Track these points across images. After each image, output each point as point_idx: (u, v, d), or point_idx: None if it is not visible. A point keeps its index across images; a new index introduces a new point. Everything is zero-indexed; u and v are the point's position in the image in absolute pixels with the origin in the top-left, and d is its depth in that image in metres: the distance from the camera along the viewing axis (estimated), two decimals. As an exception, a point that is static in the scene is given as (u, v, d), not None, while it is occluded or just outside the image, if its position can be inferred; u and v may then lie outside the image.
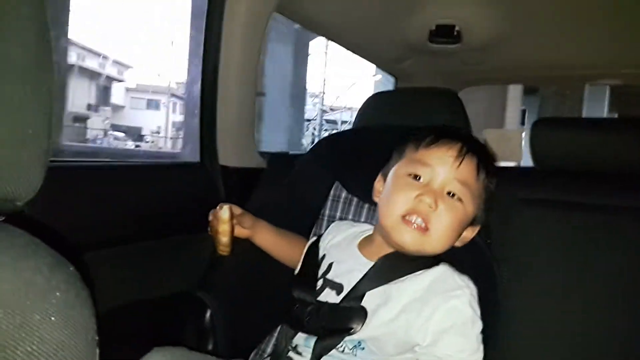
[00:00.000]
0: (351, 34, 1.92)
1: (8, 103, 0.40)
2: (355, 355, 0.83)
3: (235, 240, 1.00)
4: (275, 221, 1.10)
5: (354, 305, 0.85)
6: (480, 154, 0.89)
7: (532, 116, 7.66)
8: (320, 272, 0.96)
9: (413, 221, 0.83)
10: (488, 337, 0.83)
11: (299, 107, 8.37)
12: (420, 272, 0.86)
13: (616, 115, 7.59)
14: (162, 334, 0.99)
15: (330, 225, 1.07)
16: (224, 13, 1.34)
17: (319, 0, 1.61)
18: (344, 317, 0.84)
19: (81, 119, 15.23)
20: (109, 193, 1.11)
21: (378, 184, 0.96)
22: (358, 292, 0.86)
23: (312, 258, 1.00)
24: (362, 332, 0.83)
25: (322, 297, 0.90)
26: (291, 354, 0.89)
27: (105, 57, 17.09)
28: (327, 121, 12.03)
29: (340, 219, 1.19)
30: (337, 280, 0.91)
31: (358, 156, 1.23)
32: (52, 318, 0.37)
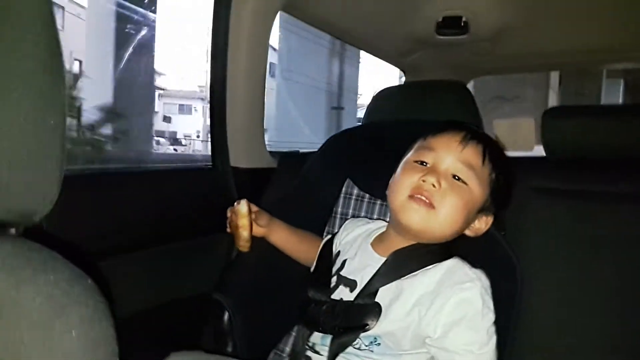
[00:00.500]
0: (357, 30, 1.91)
1: (22, 119, 0.41)
2: (372, 351, 0.84)
3: (252, 238, 1.01)
4: (288, 220, 1.11)
5: (368, 302, 0.85)
6: (487, 142, 0.90)
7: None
8: (335, 269, 0.96)
9: (419, 198, 0.83)
10: (504, 329, 0.83)
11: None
12: (432, 265, 0.86)
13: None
14: (181, 338, 1.00)
15: (345, 223, 1.07)
16: (230, 13, 1.34)
17: (324, -2, 1.60)
18: (359, 314, 0.85)
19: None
20: (122, 199, 1.12)
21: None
22: (371, 288, 0.86)
23: (327, 256, 1.00)
24: (377, 328, 0.83)
25: (337, 294, 0.91)
26: (309, 353, 0.90)
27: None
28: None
29: (353, 216, 1.18)
30: (351, 276, 0.91)
31: (369, 152, 1.22)
32: (73, 332, 0.37)
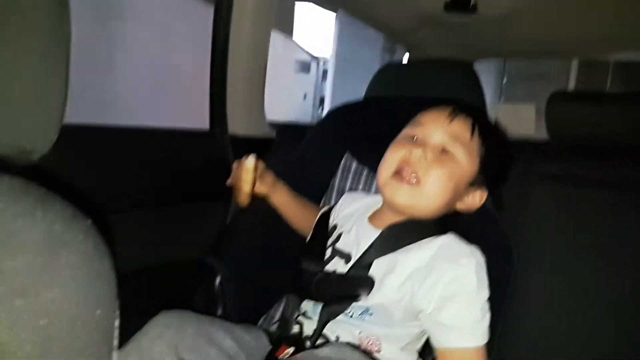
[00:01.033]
0: (365, 4, 1.88)
1: (23, 56, 0.40)
2: (364, 320, 0.85)
3: (252, 198, 1.01)
4: (285, 191, 1.10)
5: (361, 274, 0.86)
6: (476, 116, 0.90)
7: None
8: (330, 241, 0.96)
9: (403, 175, 0.84)
10: (497, 308, 0.83)
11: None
12: (427, 240, 0.86)
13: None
14: (172, 300, 1.00)
15: (343, 196, 1.07)
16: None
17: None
18: (351, 286, 0.85)
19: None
20: (118, 156, 1.10)
21: None
22: (365, 261, 0.86)
23: (323, 228, 1.01)
24: (370, 300, 0.84)
25: (331, 266, 0.91)
26: (301, 318, 0.91)
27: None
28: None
29: (350, 189, 1.18)
30: (346, 249, 0.91)
31: (368, 127, 1.21)
32: (74, 266, 0.37)
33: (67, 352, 0.37)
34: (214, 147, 1.39)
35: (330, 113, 1.37)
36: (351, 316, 0.85)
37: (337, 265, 0.90)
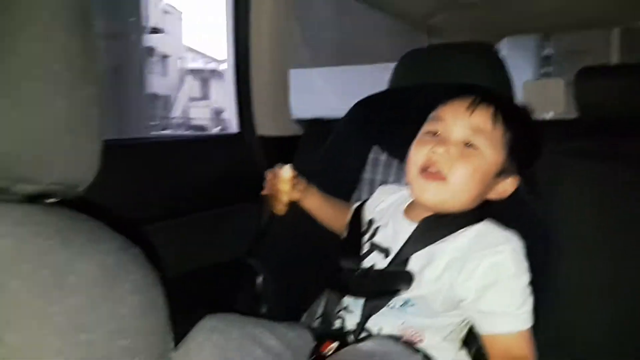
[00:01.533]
0: None
1: (59, 90, 0.41)
2: (406, 311, 0.85)
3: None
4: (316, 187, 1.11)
5: (400, 269, 0.86)
6: (498, 103, 0.88)
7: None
8: (367, 236, 0.97)
9: (429, 172, 0.84)
10: (535, 293, 0.83)
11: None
12: (463, 229, 0.86)
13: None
14: (216, 303, 1.02)
15: (377, 190, 1.08)
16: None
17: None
18: (391, 281, 0.86)
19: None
20: (152, 168, 1.13)
21: None
22: (403, 255, 0.87)
23: (357, 223, 1.01)
24: (410, 292, 0.84)
25: (369, 261, 0.92)
26: (342, 312, 0.92)
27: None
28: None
29: (381, 182, 1.18)
30: (384, 244, 0.92)
31: (395, 117, 1.21)
32: (128, 299, 0.39)
33: None
34: (244, 149, 1.41)
35: (356, 106, 1.37)
36: (392, 307, 0.86)
37: (376, 260, 0.91)
